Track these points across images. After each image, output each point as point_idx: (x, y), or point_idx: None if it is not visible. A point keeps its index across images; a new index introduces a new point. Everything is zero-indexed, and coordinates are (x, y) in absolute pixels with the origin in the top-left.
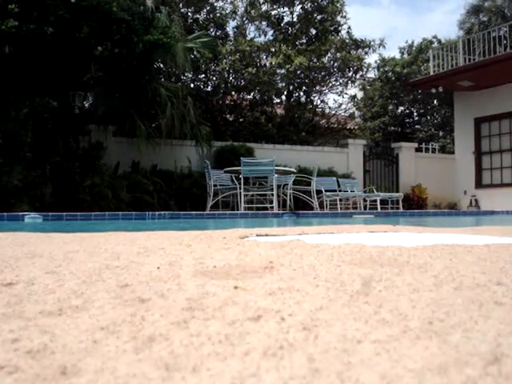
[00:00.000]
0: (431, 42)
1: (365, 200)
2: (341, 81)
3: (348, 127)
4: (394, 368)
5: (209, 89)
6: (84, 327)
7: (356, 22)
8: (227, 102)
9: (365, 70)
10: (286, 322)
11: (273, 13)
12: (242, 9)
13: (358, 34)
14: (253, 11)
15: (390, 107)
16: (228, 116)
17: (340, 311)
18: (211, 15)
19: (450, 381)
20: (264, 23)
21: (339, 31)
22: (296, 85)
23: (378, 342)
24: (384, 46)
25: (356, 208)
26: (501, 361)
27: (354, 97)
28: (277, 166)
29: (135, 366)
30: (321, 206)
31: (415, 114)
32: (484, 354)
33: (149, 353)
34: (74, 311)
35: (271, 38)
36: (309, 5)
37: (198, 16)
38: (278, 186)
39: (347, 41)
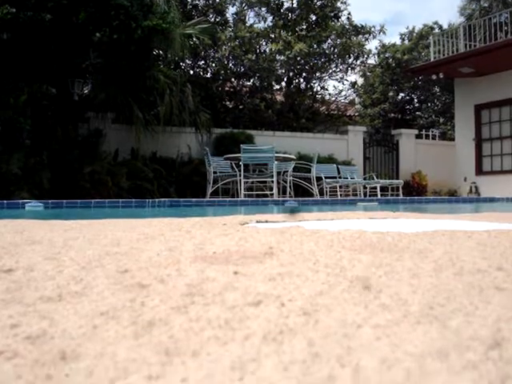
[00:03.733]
0: (432, 28)
1: (365, 187)
2: (341, 67)
3: (348, 114)
4: (394, 352)
5: (208, 75)
6: (83, 312)
7: (358, 5)
8: (227, 88)
9: (365, 56)
10: (286, 307)
11: None
12: None
13: (359, 18)
14: None
15: (391, 94)
16: (228, 103)
17: (340, 296)
18: (210, 1)
19: (451, 365)
20: (264, 9)
21: (339, 17)
22: (296, 71)
23: (378, 327)
24: (384, 32)
25: (356, 195)
26: (501, 345)
27: (354, 83)
28: (277, 152)
29: (135, 351)
30: (321, 192)
31: (415, 100)
32: (484, 339)
33: (148, 338)
34: (73, 297)
35: (271, 24)
36: None
37: (197, 2)
38: (278, 173)
39: (347, 27)
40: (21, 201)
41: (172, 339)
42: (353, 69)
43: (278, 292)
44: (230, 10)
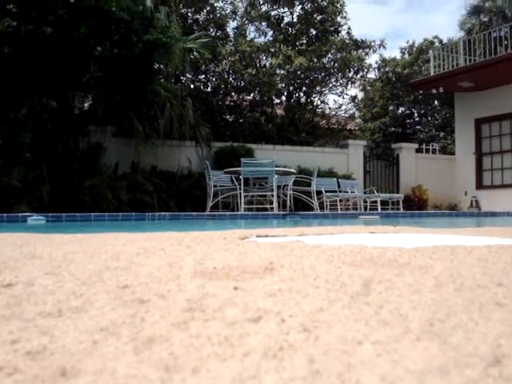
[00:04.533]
0: (432, 43)
1: (365, 201)
2: (341, 81)
3: (348, 128)
4: (395, 369)
5: (209, 89)
6: (83, 328)
7: (358, 20)
8: (227, 102)
9: (365, 70)
10: (287, 323)
11: (273, 13)
12: (242, 9)
13: (360, 32)
14: (253, 12)
15: (391, 108)
16: (228, 117)
17: (340, 312)
18: (211, 16)
19: (451, 382)
20: (264, 24)
21: (339, 32)
22: (296, 85)
23: (378, 343)
24: (384, 47)
25: (356, 209)
26: (501, 362)
27: (354, 97)
28: (277, 166)
29: (135, 367)
30: (321, 206)
31: (416, 114)
32: (485, 356)
33: (149, 354)
34: (73, 312)
35: (271, 38)
36: (309, 5)
37: (198, 16)
38: (278, 187)
39: (347, 41)
40: (21, 214)
41: (172, 355)
42: (353, 83)
43: (278, 308)
44: (231, 25)
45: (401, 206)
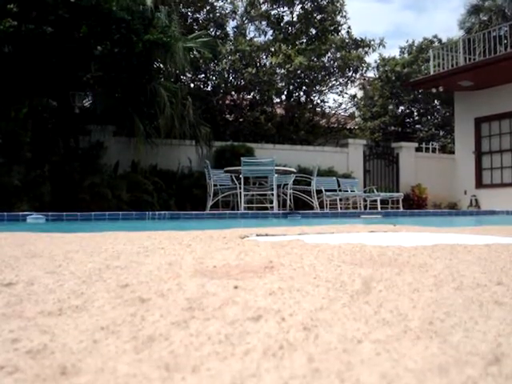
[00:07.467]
0: (432, 42)
1: (365, 200)
2: (341, 80)
3: (348, 127)
4: (394, 368)
5: (209, 89)
6: (84, 327)
7: (358, 19)
8: (227, 101)
9: (365, 69)
10: (286, 322)
11: (273, 12)
12: (242, 9)
13: (360, 31)
14: (253, 11)
15: (390, 107)
16: (228, 116)
17: (340, 311)
18: (211, 15)
19: (451, 381)
20: (264, 23)
21: (339, 31)
22: (296, 84)
23: (378, 342)
24: (384, 46)
25: (356, 208)
26: (501, 361)
27: (353, 96)
28: (277, 165)
29: (135, 366)
30: (321, 205)
31: (415, 113)
32: (484, 354)
33: (149, 353)
34: (73, 311)
35: (271, 37)
36: (309, 4)
37: (197, 16)
38: (278, 186)
39: (347, 40)
40: (21, 213)
41: (172, 354)
42: (352, 82)
43: (278, 306)
44: (231, 24)
45: (400, 204)
